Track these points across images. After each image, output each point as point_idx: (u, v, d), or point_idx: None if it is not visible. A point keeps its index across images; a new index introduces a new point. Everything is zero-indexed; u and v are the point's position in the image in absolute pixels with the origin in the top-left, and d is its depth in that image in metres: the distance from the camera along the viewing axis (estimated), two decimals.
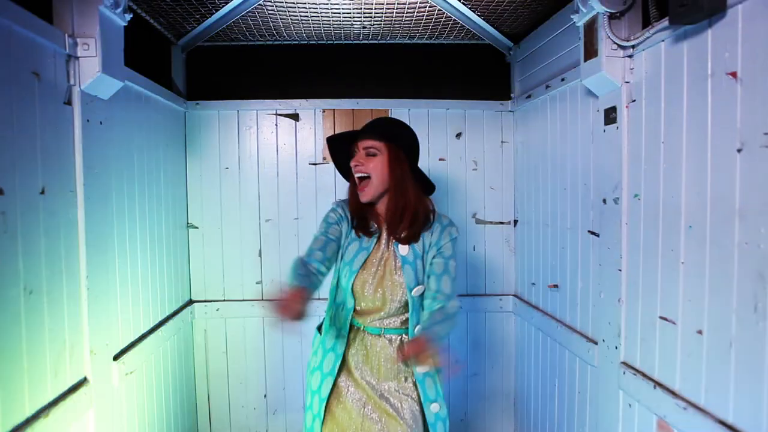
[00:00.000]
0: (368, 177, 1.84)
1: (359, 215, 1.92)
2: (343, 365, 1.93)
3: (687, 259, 1.61)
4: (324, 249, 1.85)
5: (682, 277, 1.63)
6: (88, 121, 1.84)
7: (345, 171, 1.99)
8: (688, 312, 1.60)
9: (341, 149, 1.95)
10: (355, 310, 1.93)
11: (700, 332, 1.54)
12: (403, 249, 1.88)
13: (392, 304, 1.88)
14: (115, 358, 2.03)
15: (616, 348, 1.99)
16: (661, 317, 1.74)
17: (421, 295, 1.88)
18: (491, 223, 3.18)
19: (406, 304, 1.89)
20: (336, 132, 2.87)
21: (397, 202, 1.86)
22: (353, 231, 1.92)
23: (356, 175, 1.86)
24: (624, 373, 1.92)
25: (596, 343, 2.15)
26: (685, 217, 1.61)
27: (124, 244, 2.17)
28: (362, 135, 1.87)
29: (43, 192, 1.61)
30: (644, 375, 1.82)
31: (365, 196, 1.85)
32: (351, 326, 1.94)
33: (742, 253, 1.38)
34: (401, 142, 1.88)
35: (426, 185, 1.96)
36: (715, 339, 1.49)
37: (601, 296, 2.11)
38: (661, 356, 1.75)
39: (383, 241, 1.93)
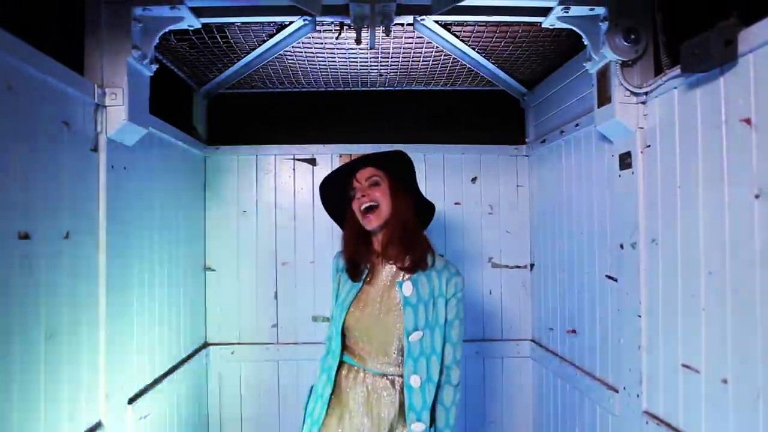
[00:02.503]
0: (377, 205, 1.82)
1: (352, 260, 1.90)
2: (336, 411, 1.85)
3: (708, 306, 1.59)
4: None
5: (703, 323, 1.60)
6: (112, 167, 1.90)
7: (338, 215, 1.99)
8: (712, 360, 1.57)
9: (333, 194, 1.95)
10: (351, 350, 1.87)
11: (725, 381, 1.50)
12: (407, 289, 1.81)
13: (392, 346, 1.81)
14: (130, 401, 2.03)
15: (638, 396, 1.94)
16: (684, 365, 1.70)
17: (420, 341, 1.78)
18: (507, 267, 3.17)
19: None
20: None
21: (399, 233, 1.83)
22: (345, 273, 1.92)
23: (364, 206, 1.82)
24: (647, 422, 1.86)
25: (617, 391, 2.10)
26: (705, 263, 1.60)
27: (142, 287, 2.20)
28: (361, 166, 1.86)
29: (67, 236, 1.65)
30: (668, 425, 1.77)
31: (372, 224, 1.82)
32: (350, 366, 1.87)
33: (765, 301, 1.35)
34: (399, 168, 1.88)
35: (425, 211, 1.96)
36: (741, 389, 1.45)
37: (621, 342, 2.08)
38: (685, 406, 1.70)
39: (383, 279, 1.88)
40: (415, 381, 1.77)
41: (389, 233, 1.85)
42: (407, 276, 1.84)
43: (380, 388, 1.83)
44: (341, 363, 1.89)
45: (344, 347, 1.89)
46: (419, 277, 1.84)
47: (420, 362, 1.78)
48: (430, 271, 1.85)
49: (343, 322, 1.85)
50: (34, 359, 1.49)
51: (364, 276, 1.89)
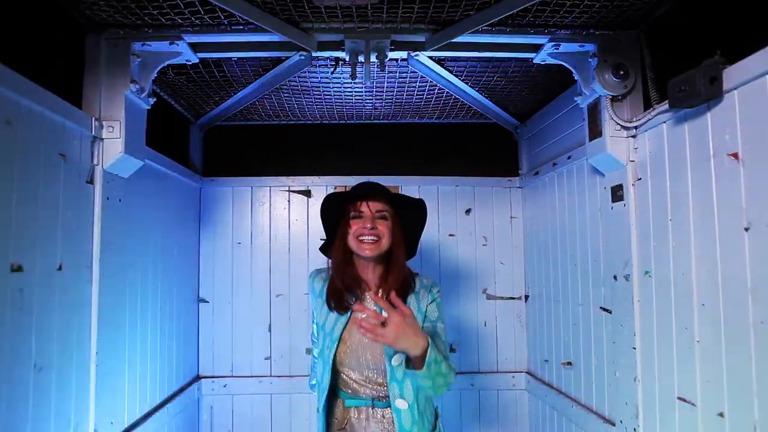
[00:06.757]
0: (378, 239, 1.83)
1: (340, 293, 1.87)
2: None
3: (702, 338, 1.59)
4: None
5: (698, 356, 1.60)
6: (108, 198, 1.91)
7: (331, 230, 1.96)
8: (707, 393, 1.56)
9: (333, 208, 1.93)
10: (342, 381, 1.85)
11: (721, 415, 1.49)
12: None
13: (378, 373, 1.81)
14: None
15: (635, 430, 1.92)
16: (680, 398, 1.69)
17: (402, 365, 1.75)
18: (502, 298, 3.16)
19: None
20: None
21: (394, 269, 1.86)
22: (327, 303, 1.89)
23: (367, 238, 1.82)
24: None
25: (614, 425, 2.08)
26: (698, 295, 1.61)
27: (135, 319, 2.18)
28: (376, 197, 1.86)
29: (60, 268, 1.64)
30: None
31: (367, 253, 1.82)
32: (341, 401, 1.84)
33: (758, 333, 1.36)
34: (412, 217, 1.93)
35: (410, 250, 1.97)
36: (737, 422, 1.44)
37: (617, 375, 2.06)
38: None
39: (366, 306, 1.83)
40: (401, 404, 1.76)
41: (386, 270, 1.88)
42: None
43: (373, 421, 1.81)
44: (347, 408, 1.85)
45: (340, 385, 1.85)
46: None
47: (405, 384, 1.77)
48: (410, 295, 1.88)
49: (334, 357, 1.82)
50: (22, 393, 1.47)
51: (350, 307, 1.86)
